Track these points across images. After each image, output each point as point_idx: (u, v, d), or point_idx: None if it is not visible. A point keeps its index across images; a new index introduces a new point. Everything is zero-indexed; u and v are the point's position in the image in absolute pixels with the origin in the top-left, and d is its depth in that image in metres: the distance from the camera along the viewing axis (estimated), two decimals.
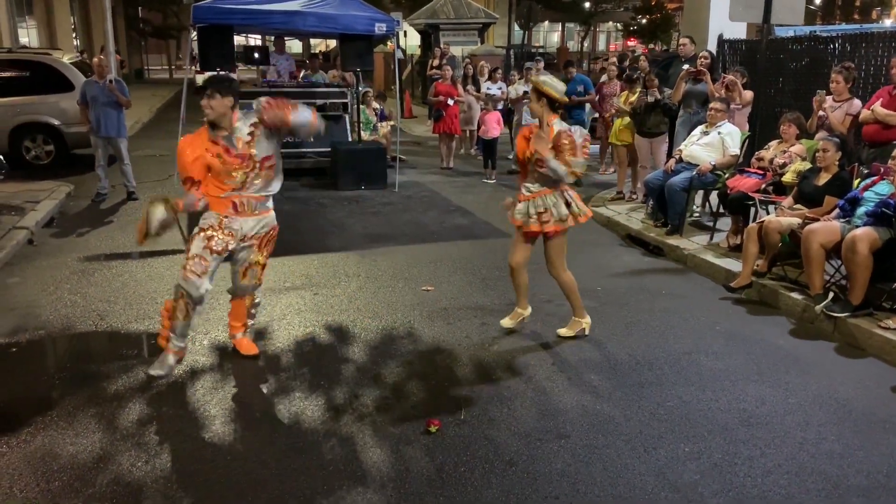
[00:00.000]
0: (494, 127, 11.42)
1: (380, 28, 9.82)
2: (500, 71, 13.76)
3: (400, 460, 3.59)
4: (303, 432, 3.85)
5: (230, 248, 4.40)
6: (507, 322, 5.24)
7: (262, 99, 4.24)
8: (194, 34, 9.61)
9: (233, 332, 4.84)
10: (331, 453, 3.65)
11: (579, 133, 4.69)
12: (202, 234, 4.32)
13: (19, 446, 3.68)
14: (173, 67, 40.74)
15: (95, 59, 9.73)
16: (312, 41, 25.43)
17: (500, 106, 12.23)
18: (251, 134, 4.22)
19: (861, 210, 5.45)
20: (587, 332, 5.13)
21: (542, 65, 12.81)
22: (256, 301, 4.86)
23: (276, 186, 4.47)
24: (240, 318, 4.81)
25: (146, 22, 39.52)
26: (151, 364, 4.45)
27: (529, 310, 5.28)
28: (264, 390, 4.31)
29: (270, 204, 4.52)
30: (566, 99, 4.79)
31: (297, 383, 4.40)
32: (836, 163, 5.91)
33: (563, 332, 5.15)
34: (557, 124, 4.69)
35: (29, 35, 20.89)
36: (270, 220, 4.55)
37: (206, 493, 3.31)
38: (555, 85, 4.71)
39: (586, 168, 4.77)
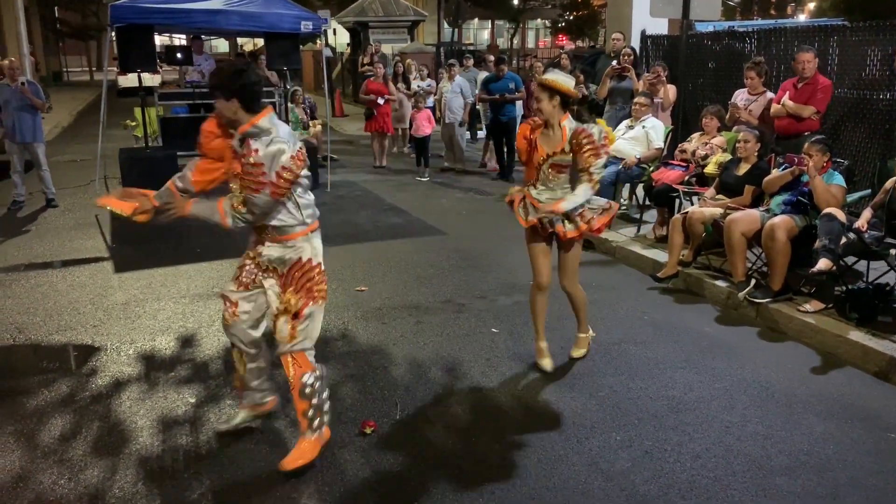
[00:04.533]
0: (426, 125, 11.42)
1: (306, 26, 9.68)
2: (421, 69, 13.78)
3: (335, 464, 3.55)
4: (234, 441, 3.76)
5: (258, 279, 3.50)
6: (548, 364, 4.58)
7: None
8: (113, 34, 9.29)
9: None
10: (264, 461, 3.58)
11: (598, 131, 4.17)
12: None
13: None
14: (94, 69, 39.31)
15: (6, 62, 9.31)
16: (240, 40, 24.92)
17: (430, 102, 12.22)
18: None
19: (779, 199, 5.66)
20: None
21: (471, 62, 12.87)
22: (307, 384, 3.45)
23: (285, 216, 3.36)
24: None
25: (63, 22, 38.04)
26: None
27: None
28: (192, 400, 4.20)
29: (296, 229, 3.39)
30: (579, 94, 4.32)
31: (226, 391, 4.29)
32: (756, 153, 6.11)
33: (577, 353, 4.72)
34: (570, 123, 4.22)
35: None
36: (296, 251, 3.41)
37: None
38: (567, 81, 4.21)
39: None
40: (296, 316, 3.39)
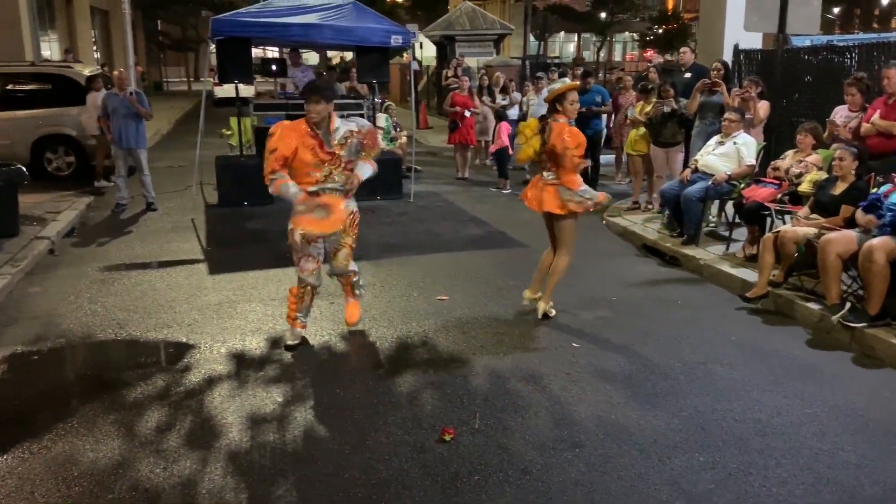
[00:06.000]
0: (500, 139, 11.47)
1: (395, 40, 9.91)
2: (513, 82, 13.84)
3: (415, 469, 3.61)
4: (318, 441, 3.89)
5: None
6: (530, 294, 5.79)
7: (370, 126, 5.06)
8: (213, 47, 9.73)
9: (346, 298, 5.56)
10: (346, 462, 3.68)
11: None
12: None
13: (40, 452, 3.74)
14: (191, 79, 41.13)
15: (116, 72, 9.89)
16: (329, 53, 25.61)
17: (512, 115, 12.25)
18: (346, 138, 4.86)
19: None
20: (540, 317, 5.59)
21: (556, 75, 12.83)
22: (355, 280, 5.42)
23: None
24: (347, 291, 5.50)
25: (165, 35, 40.02)
26: (284, 337, 5.17)
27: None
28: (280, 399, 4.35)
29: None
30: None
31: (312, 392, 4.43)
32: (853, 172, 5.88)
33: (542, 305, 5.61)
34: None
35: (51, 48, 21.20)
36: (351, 205, 5.08)
37: (220, 501, 3.35)
38: (551, 86, 5.55)
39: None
40: None
